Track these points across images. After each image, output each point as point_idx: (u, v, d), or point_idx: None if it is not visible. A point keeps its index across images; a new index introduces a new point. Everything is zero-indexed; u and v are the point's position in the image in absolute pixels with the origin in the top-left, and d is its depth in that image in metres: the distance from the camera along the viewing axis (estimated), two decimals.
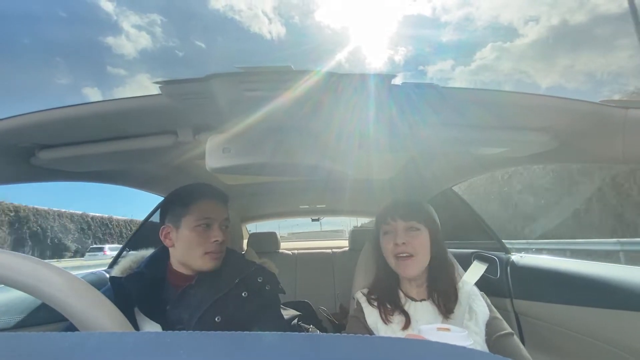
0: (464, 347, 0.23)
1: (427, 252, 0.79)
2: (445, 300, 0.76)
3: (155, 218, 1.48)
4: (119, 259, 1.17)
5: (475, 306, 0.76)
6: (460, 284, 0.83)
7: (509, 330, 0.74)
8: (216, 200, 0.82)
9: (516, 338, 0.72)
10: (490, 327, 0.74)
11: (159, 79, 0.50)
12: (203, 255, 0.76)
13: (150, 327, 0.71)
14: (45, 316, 0.88)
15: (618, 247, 6.31)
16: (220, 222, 0.80)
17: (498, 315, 0.78)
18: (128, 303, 0.71)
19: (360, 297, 0.85)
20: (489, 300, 0.81)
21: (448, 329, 0.54)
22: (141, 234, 1.49)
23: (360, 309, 0.82)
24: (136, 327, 0.71)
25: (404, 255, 0.77)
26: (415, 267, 0.77)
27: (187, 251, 0.77)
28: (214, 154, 0.65)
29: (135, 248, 0.95)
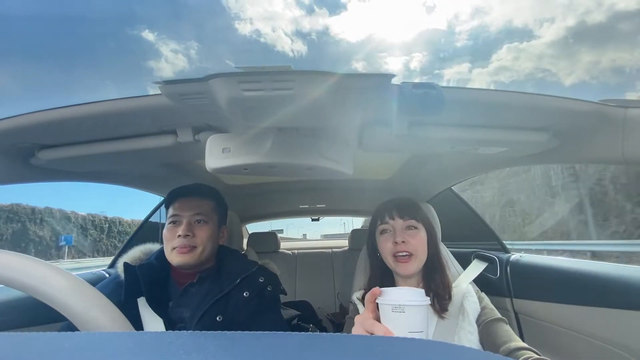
0: (463, 347, 0.23)
1: (425, 251, 0.78)
2: (440, 299, 0.76)
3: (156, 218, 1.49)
4: (119, 258, 1.17)
5: (467, 304, 0.76)
6: (455, 283, 0.83)
7: (498, 316, 0.74)
8: (187, 197, 0.83)
9: (505, 324, 0.72)
10: (480, 317, 0.74)
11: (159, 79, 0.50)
12: (172, 251, 0.78)
13: (153, 320, 0.71)
14: (45, 316, 0.88)
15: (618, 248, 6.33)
16: (189, 218, 0.80)
17: (490, 305, 0.78)
18: (136, 292, 0.72)
19: (357, 297, 0.85)
20: (485, 296, 0.81)
21: (409, 290, 0.53)
22: (142, 233, 1.49)
23: (356, 310, 0.83)
24: (139, 318, 0.72)
25: (403, 254, 0.76)
26: (413, 265, 0.76)
27: (164, 248, 0.80)
28: (213, 154, 0.65)
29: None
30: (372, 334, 0.50)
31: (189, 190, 0.85)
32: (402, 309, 0.48)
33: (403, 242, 0.76)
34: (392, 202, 0.84)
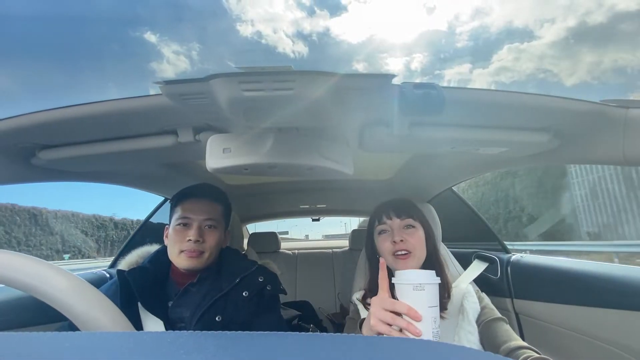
0: (463, 347, 0.23)
1: (424, 249, 0.79)
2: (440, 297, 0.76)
3: (157, 218, 1.49)
4: (120, 257, 1.17)
5: (467, 303, 0.76)
6: (455, 283, 0.83)
7: (498, 316, 0.74)
8: (199, 199, 0.82)
9: (505, 324, 0.72)
10: (480, 317, 0.75)
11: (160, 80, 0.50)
12: (179, 254, 0.77)
13: (153, 322, 0.71)
14: (45, 316, 0.88)
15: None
16: (200, 222, 0.79)
17: (490, 305, 0.78)
18: (131, 298, 0.72)
19: (357, 298, 0.85)
20: (485, 296, 0.81)
21: (422, 271, 0.58)
22: (142, 234, 1.49)
23: (356, 311, 0.83)
24: (139, 321, 0.72)
25: (402, 252, 0.76)
26: (412, 263, 0.77)
27: (170, 249, 0.79)
28: (214, 154, 0.65)
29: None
30: (393, 311, 0.53)
31: (201, 192, 0.84)
32: (422, 287, 0.53)
33: (401, 240, 0.76)
34: (389, 203, 0.84)
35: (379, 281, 0.59)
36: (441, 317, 0.74)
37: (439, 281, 0.55)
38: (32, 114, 0.60)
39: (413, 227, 0.79)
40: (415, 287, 0.54)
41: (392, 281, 0.58)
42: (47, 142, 0.71)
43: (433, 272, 0.56)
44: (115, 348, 0.24)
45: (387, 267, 0.81)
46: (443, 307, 0.75)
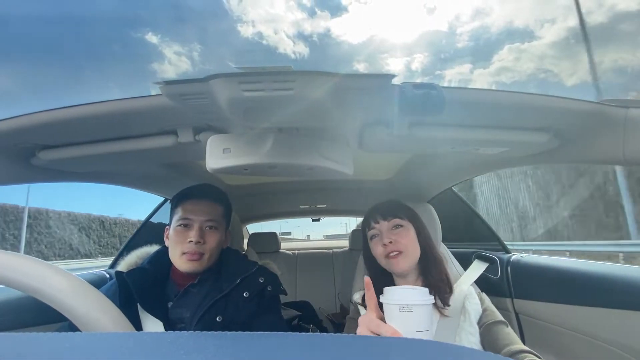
0: (463, 347, 0.23)
1: (416, 246, 0.79)
2: (440, 292, 0.76)
3: (157, 218, 1.49)
4: (120, 258, 1.17)
5: (469, 305, 0.76)
6: (456, 284, 0.82)
7: (500, 318, 0.74)
8: (199, 200, 0.81)
9: (506, 327, 0.72)
10: (482, 319, 0.74)
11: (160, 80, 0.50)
12: (180, 256, 0.77)
13: (153, 323, 0.71)
14: (45, 316, 0.88)
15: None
16: (200, 223, 0.79)
17: (491, 307, 0.78)
18: (131, 298, 0.72)
19: (357, 299, 0.85)
20: (486, 297, 0.81)
21: (413, 289, 0.54)
22: (142, 234, 1.49)
23: (356, 310, 0.83)
24: (139, 322, 0.72)
25: (394, 253, 0.76)
26: (406, 262, 0.77)
27: (171, 250, 0.79)
28: (214, 154, 0.65)
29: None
30: (378, 334, 0.49)
31: (201, 192, 0.83)
32: (409, 309, 0.48)
33: (390, 242, 0.77)
34: (375, 207, 0.85)
35: (366, 300, 0.57)
36: (444, 315, 0.74)
37: (432, 301, 0.51)
38: (32, 114, 0.60)
39: (401, 226, 0.80)
40: (401, 308, 0.48)
41: (380, 299, 0.53)
42: (47, 142, 0.71)
43: (426, 290, 0.52)
44: (115, 348, 0.24)
45: (386, 272, 0.82)
46: (445, 302, 0.75)
